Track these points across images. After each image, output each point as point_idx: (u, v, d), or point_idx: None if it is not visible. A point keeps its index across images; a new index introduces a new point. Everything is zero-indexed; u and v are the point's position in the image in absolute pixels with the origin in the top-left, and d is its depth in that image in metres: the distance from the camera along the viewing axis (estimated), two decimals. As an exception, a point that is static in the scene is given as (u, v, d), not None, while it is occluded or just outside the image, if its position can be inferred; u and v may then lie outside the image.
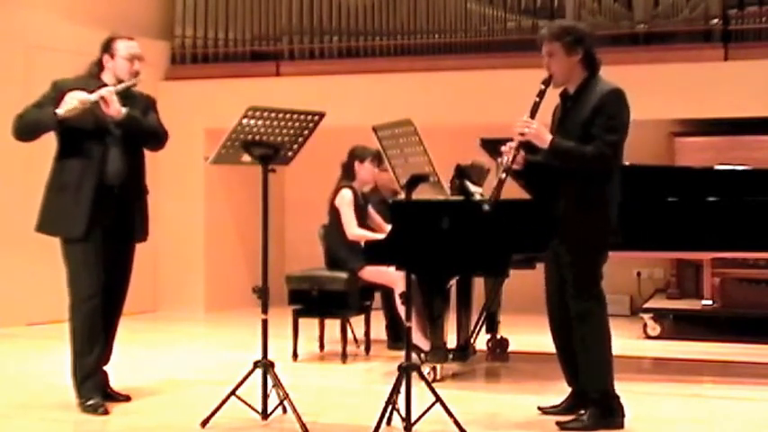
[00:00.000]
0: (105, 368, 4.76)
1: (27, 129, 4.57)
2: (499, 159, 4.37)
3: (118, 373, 4.93)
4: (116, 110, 4.50)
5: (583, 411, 4.34)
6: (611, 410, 4.32)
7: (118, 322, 4.81)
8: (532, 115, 4.27)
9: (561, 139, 4.24)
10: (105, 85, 4.60)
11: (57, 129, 4.52)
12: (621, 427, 4.31)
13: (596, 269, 4.31)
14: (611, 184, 4.29)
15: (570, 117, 4.32)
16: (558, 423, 4.34)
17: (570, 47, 4.28)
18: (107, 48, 4.65)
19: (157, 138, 4.77)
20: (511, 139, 4.32)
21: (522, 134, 4.24)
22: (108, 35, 4.72)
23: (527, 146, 4.31)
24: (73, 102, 4.40)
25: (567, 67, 4.30)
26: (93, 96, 4.45)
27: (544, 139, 4.23)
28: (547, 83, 4.31)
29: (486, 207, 4.24)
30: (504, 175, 4.25)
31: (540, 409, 4.57)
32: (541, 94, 4.29)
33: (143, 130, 4.68)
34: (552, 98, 4.41)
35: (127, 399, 4.83)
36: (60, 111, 4.40)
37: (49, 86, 4.63)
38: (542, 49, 4.35)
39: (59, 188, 4.57)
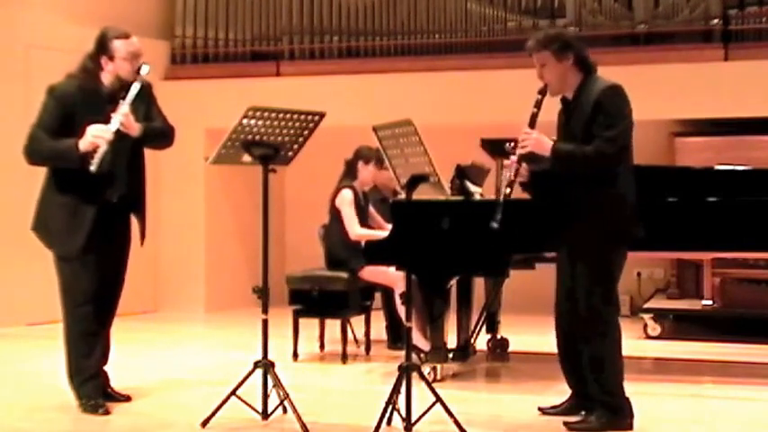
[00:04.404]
0: (105, 368, 4.75)
1: (43, 160, 4.49)
2: (503, 175, 4.35)
3: (118, 373, 4.93)
4: (135, 129, 4.47)
5: (589, 412, 4.32)
6: (620, 412, 4.27)
7: (112, 321, 4.76)
8: (532, 125, 4.25)
9: (562, 143, 4.23)
10: (101, 85, 4.53)
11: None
12: (630, 428, 4.27)
13: (608, 272, 4.26)
14: (618, 185, 4.23)
15: (572, 120, 4.29)
16: (565, 423, 4.32)
17: (560, 52, 4.26)
18: (104, 48, 4.50)
19: (167, 138, 4.75)
20: (512, 140, 4.32)
21: (523, 146, 4.23)
22: (101, 31, 4.56)
23: (529, 157, 4.28)
24: (102, 148, 4.29)
25: (561, 73, 4.28)
26: (114, 126, 4.36)
27: (545, 146, 4.20)
28: (543, 92, 4.29)
29: (495, 225, 4.20)
30: (507, 190, 4.23)
31: (540, 409, 4.56)
32: (538, 104, 4.28)
33: (158, 136, 4.66)
34: (555, 101, 4.39)
35: (127, 399, 4.83)
36: (93, 167, 4.29)
37: (45, 94, 4.48)
38: (534, 60, 4.32)
39: (59, 204, 4.49)
